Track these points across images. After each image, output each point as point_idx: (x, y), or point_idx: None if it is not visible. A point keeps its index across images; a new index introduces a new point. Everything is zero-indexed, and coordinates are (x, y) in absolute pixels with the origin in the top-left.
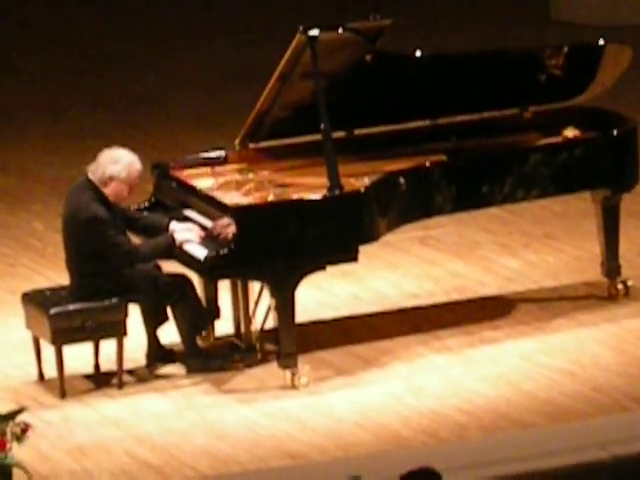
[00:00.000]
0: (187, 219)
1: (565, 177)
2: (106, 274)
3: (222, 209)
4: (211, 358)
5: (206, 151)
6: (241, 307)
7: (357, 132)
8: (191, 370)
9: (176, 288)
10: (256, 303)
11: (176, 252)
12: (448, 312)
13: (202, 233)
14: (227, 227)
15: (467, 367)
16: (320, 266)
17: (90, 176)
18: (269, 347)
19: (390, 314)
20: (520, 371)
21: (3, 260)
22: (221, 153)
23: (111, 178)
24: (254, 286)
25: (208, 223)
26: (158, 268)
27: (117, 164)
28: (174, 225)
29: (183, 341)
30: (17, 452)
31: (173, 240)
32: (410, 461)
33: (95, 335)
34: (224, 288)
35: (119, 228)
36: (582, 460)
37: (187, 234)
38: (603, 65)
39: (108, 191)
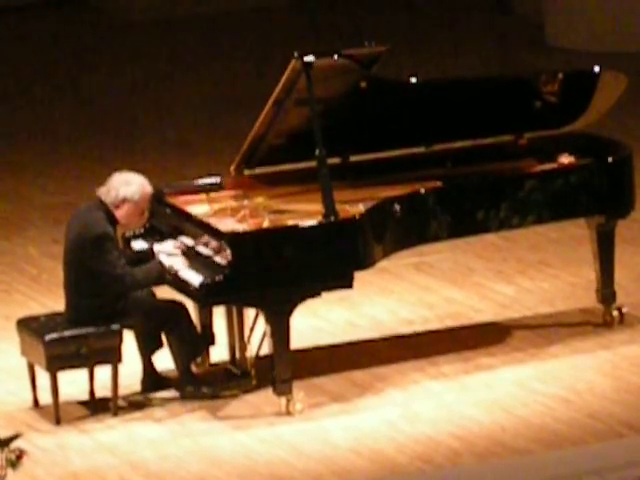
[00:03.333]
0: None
1: (560, 203)
2: (103, 298)
3: (217, 235)
4: (206, 385)
5: (201, 177)
6: (236, 333)
7: (352, 158)
8: (186, 397)
9: (171, 314)
10: (251, 329)
11: (168, 277)
12: (443, 338)
13: (185, 249)
14: (219, 251)
15: (462, 393)
16: (315, 292)
17: (102, 198)
18: (264, 373)
19: (385, 340)
20: (515, 398)
21: None
22: (216, 179)
23: (124, 200)
24: (249, 312)
25: (202, 249)
26: (153, 295)
27: (130, 185)
28: (158, 247)
29: (178, 368)
30: (12, 478)
31: (163, 268)
32: None
33: (90, 361)
34: (219, 314)
35: (120, 253)
36: None
37: (173, 257)
38: (598, 92)
39: (120, 214)
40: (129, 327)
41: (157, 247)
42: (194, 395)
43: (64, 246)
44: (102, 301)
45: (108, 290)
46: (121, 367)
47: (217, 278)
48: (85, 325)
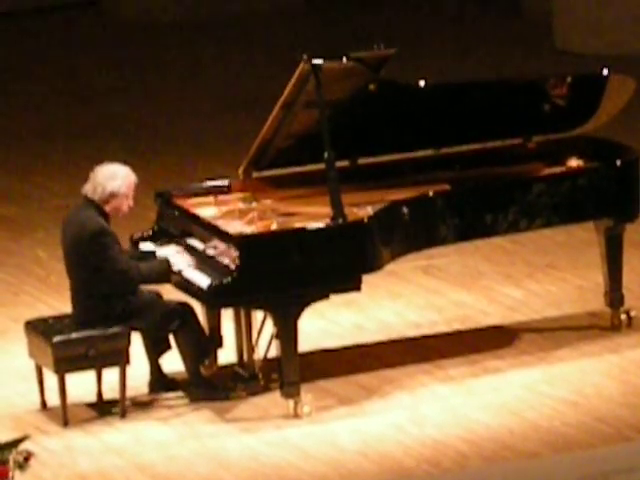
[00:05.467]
0: (188, 248)
1: (568, 207)
2: (109, 298)
3: (225, 238)
4: (214, 388)
5: (209, 180)
6: (244, 336)
7: (361, 161)
8: (194, 399)
9: (178, 316)
10: (259, 332)
11: (173, 277)
12: (451, 342)
13: (192, 259)
14: (229, 255)
15: (470, 397)
16: (323, 295)
17: (89, 196)
18: (272, 376)
19: (393, 343)
20: (523, 401)
21: (6, 288)
22: (224, 182)
23: (112, 195)
24: (257, 315)
25: (210, 251)
26: (159, 296)
27: (115, 179)
28: (161, 252)
29: (186, 369)
30: None
31: (169, 264)
32: None
33: (98, 363)
34: (227, 317)
35: (121, 247)
36: None
37: (181, 259)
38: (606, 95)
39: (109, 208)
40: (136, 329)
41: (160, 252)
42: (202, 397)
43: (63, 251)
44: (108, 302)
45: (114, 288)
46: (129, 369)
47: (225, 280)
48: (92, 327)
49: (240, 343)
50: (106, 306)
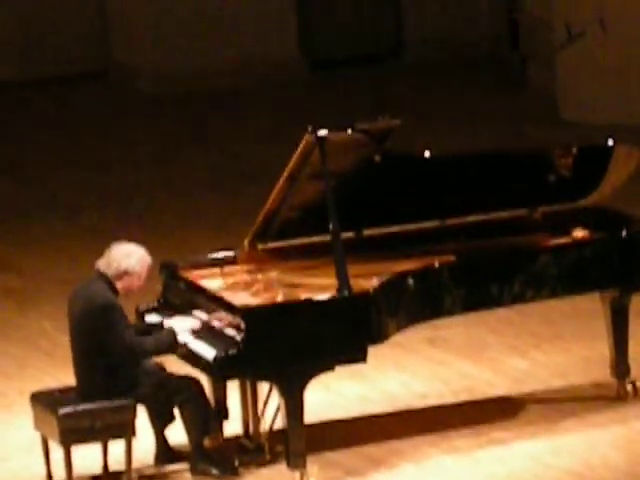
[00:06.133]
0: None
1: (574, 277)
2: (113, 372)
3: (231, 310)
4: (218, 463)
5: (215, 251)
6: (250, 407)
7: (366, 232)
8: (197, 474)
9: (184, 390)
10: (265, 403)
11: (179, 349)
12: (457, 413)
13: (199, 324)
14: (235, 327)
15: (475, 468)
16: (329, 367)
17: (102, 270)
18: (278, 447)
19: (399, 415)
20: (529, 472)
21: (12, 361)
22: (230, 254)
23: (126, 272)
24: (263, 386)
25: (215, 323)
26: (163, 369)
27: (131, 258)
28: (168, 322)
29: (190, 443)
30: None
31: (175, 335)
32: None
33: (104, 436)
34: (233, 388)
35: (127, 322)
36: None
37: (187, 324)
38: (612, 166)
39: (121, 285)
40: (141, 401)
41: (167, 322)
42: (205, 473)
43: (69, 323)
44: (112, 375)
45: (119, 363)
46: (134, 441)
47: (230, 352)
48: (97, 400)
49: (246, 414)
50: (110, 379)
